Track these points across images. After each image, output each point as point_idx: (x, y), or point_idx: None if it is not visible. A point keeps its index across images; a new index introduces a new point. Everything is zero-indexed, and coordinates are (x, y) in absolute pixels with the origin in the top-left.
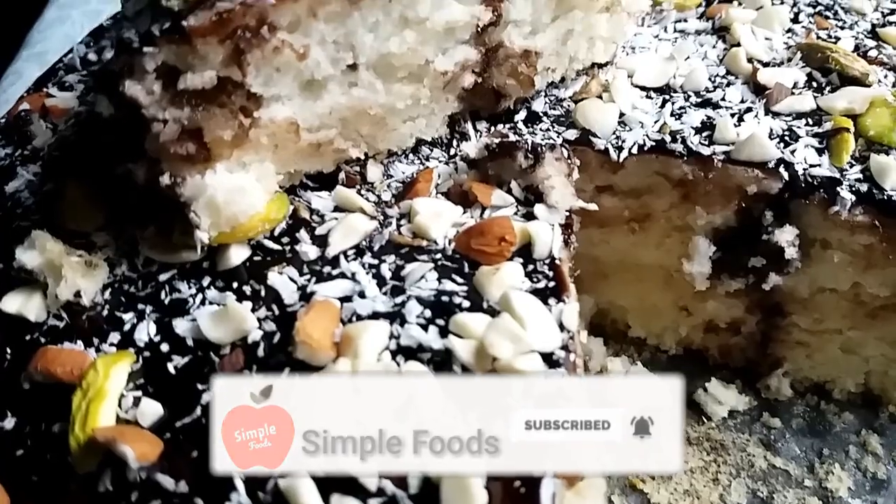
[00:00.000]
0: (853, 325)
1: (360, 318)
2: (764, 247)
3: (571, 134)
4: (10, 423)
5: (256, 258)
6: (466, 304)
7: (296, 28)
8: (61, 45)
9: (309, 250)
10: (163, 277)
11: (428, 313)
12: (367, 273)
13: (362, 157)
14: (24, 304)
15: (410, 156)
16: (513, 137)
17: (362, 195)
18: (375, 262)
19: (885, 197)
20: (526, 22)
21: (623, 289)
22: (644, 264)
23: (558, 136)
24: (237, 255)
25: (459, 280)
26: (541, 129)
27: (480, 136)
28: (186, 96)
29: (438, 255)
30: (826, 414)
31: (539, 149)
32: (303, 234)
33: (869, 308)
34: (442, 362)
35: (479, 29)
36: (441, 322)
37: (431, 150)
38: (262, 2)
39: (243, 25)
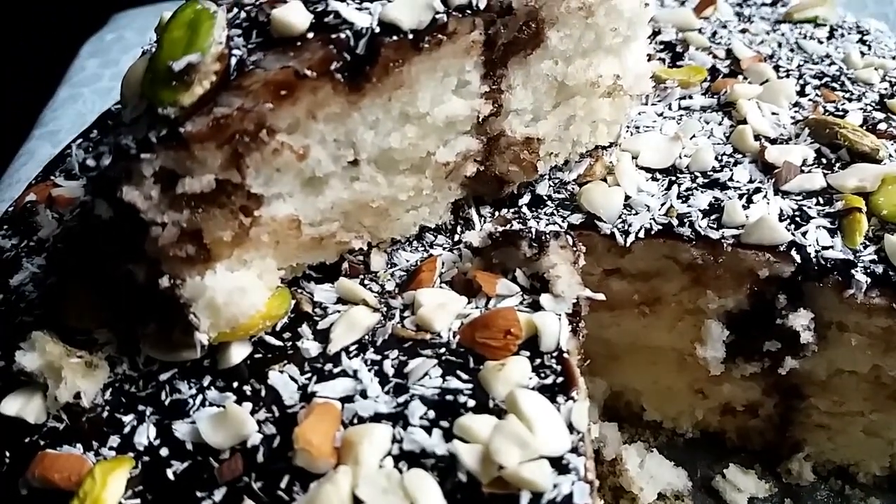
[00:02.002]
0: (875, 408)
1: (361, 420)
2: (778, 330)
3: (576, 218)
4: None
5: (257, 355)
6: (471, 403)
7: (295, 129)
8: (73, 123)
9: (310, 346)
10: (163, 377)
11: (432, 414)
12: (370, 370)
13: (365, 248)
14: (24, 407)
15: (414, 243)
16: (517, 225)
17: (365, 285)
18: (378, 357)
19: None
20: (527, 110)
21: (636, 371)
22: (656, 347)
23: (563, 221)
24: (238, 353)
25: (464, 376)
26: (545, 214)
27: (484, 222)
28: (185, 199)
29: (442, 350)
30: (851, 499)
31: (543, 237)
32: (304, 328)
33: (891, 390)
34: (446, 469)
35: (479, 120)
36: (445, 424)
37: (435, 237)
38: (261, 106)
39: (241, 130)
